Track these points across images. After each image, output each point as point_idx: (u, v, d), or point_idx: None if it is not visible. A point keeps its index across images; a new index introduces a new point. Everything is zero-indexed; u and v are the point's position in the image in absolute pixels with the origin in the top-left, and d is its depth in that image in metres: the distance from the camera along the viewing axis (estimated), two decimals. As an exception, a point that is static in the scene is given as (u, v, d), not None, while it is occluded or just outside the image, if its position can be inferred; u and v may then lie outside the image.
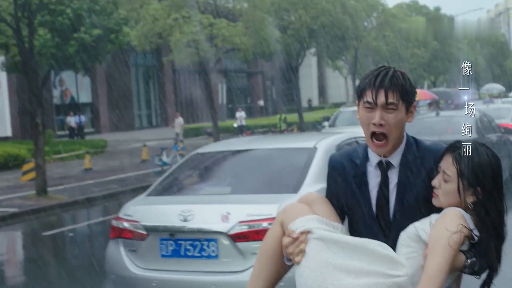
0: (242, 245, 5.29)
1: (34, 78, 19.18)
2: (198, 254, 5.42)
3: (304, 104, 55.32)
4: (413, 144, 2.94)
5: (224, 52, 24.73)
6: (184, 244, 5.45)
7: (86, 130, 41.44)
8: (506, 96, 42.30)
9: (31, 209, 15.69)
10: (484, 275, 2.82)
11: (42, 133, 18.35)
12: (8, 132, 38.29)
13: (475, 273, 2.77)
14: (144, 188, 19.32)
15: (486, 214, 2.74)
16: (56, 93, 45.48)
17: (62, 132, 40.41)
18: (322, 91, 78.11)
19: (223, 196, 5.79)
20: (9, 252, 12.08)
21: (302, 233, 2.79)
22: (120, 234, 5.81)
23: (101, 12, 28.06)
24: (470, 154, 2.76)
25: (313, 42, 29.36)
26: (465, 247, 2.72)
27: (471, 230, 2.71)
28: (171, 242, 5.49)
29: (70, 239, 12.81)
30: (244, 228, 5.29)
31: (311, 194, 3.07)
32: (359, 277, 2.70)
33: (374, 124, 2.80)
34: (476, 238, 2.73)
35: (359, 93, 2.89)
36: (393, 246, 2.80)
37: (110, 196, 18.11)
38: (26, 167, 22.33)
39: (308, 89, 69.50)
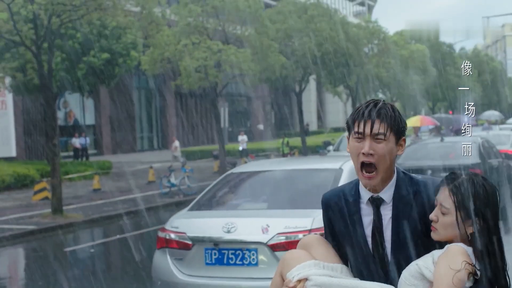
0: (280, 254, 5.93)
1: (51, 100, 19.80)
2: (240, 262, 6.07)
3: (295, 128, 56.02)
4: (405, 179, 2.95)
5: (231, 78, 25.44)
6: (227, 253, 6.10)
7: (89, 151, 42.08)
8: (504, 123, 43.11)
9: (49, 227, 16.30)
10: None
11: (58, 154, 18.97)
12: (13, 153, 38.92)
13: None
14: (154, 208, 20.01)
15: (486, 244, 2.72)
16: (60, 114, 46.18)
17: (65, 153, 41.02)
18: (320, 116, 78.91)
19: (261, 210, 6.47)
20: (34, 266, 12.66)
21: (299, 281, 2.79)
22: (167, 244, 6.45)
23: (109, 36, 28.87)
24: (466, 185, 2.77)
25: (317, 68, 30.08)
26: (469, 284, 2.69)
27: (474, 266, 2.69)
28: (215, 251, 6.14)
29: (91, 254, 13.41)
30: (281, 239, 5.94)
31: (309, 237, 3.06)
32: None
33: (363, 153, 2.83)
34: (478, 273, 2.71)
35: (349, 126, 2.94)
36: (392, 283, 2.83)
37: (123, 215, 18.70)
38: (37, 186, 22.92)
39: (306, 114, 70.32)
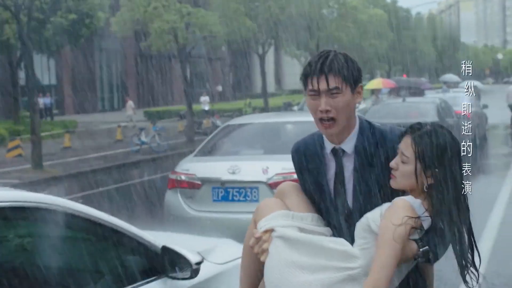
0: (277, 191, 7.05)
1: (28, 59, 20.45)
2: (243, 199, 7.20)
3: (258, 90, 57.15)
4: (367, 129, 2.91)
5: (199, 40, 26.33)
6: (232, 191, 7.23)
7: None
8: (457, 87, 44.80)
9: (34, 181, 17.16)
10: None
11: (37, 112, 19.71)
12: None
13: (430, 261, 2.74)
14: (126, 165, 20.87)
15: (439, 197, 2.72)
16: (21, 74, 46.32)
17: (28, 113, 41.41)
18: (278, 78, 79.88)
19: (261, 155, 7.59)
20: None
21: (266, 231, 2.83)
22: (178, 184, 7.53)
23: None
24: (429, 135, 2.75)
25: (280, 31, 31.09)
26: (416, 236, 2.70)
27: (419, 218, 2.69)
28: (221, 190, 7.26)
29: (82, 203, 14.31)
30: (280, 178, 7.07)
31: (284, 185, 3.07)
32: (314, 273, 2.74)
33: (320, 111, 2.80)
34: (426, 225, 2.72)
35: (303, 81, 2.89)
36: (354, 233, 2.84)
37: (98, 170, 19.58)
38: (11, 144, 23.60)
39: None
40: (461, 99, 21.80)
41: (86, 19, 30.77)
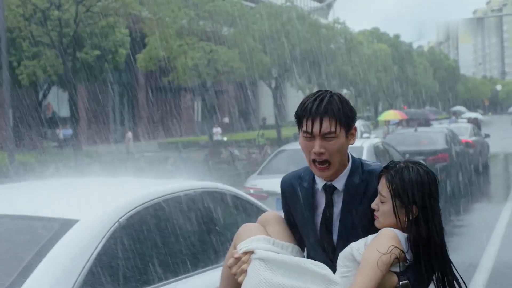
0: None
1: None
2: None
3: (260, 122, 59.09)
4: (359, 167, 2.92)
5: (221, 75, 28.31)
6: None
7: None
8: (459, 117, 46.85)
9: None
10: None
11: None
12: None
13: None
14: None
15: (418, 232, 2.71)
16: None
17: (52, 143, 43.17)
18: (281, 110, 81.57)
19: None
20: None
21: (245, 253, 2.84)
22: (248, 198, 9.37)
23: (99, 34, 31.40)
24: (401, 173, 2.76)
25: (293, 66, 33.11)
26: (397, 269, 2.70)
27: (404, 252, 2.70)
28: (284, 201, 9.08)
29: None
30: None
31: (268, 214, 3.11)
32: None
33: (314, 152, 2.79)
34: (409, 259, 2.72)
35: (297, 121, 2.87)
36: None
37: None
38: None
39: (265, 108, 73.25)
40: (465, 129, 23.74)
41: (109, 55, 32.81)
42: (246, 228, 2.99)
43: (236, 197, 4.70)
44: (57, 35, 22.35)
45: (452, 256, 2.83)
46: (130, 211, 3.63)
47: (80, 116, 50.75)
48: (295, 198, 2.99)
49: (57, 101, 49.78)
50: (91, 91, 49.79)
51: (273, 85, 35.96)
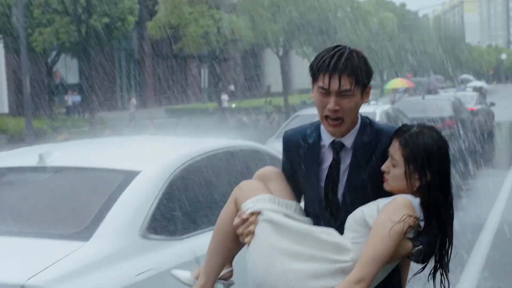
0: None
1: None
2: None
3: (269, 90, 59.34)
4: (368, 126, 2.87)
5: (229, 43, 28.68)
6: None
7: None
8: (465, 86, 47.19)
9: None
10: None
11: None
12: (5, 109, 41.16)
13: (421, 261, 2.73)
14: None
15: (431, 198, 2.69)
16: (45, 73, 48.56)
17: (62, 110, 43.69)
18: (288, 77, 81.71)
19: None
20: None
21: (252, 214, 2.79)
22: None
23: (109, 2, 31.70)
24: (415, 138, 2.72)
25: (301, 35, 33.44)
26: (411, 235, 2.67)
27: (417, 219, 2.66)
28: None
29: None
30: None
31: (267, 169, 3.05)
32: (304, 262, 2.68)
33: (328, 109, 2.74)
34: (423, 225, 2.68)
35: (313, 74, 2.79)
36: (341, 228, 2.76)
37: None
38: (60, 137, 25.90)
39: (270, 75, 73.55)
40: (471, 97, 24.18)
41: (118, 23, 33.13)
42: (248, 185, 2.94)
43: (268, 155, 5.17)
44: (71, 3, 22.73)
45: (459, 216, 2.92)
46: (183, 163, 4.13)
47: (89, 83, 51.31)
48: (299, 153, 2.92)
49: (65, 68, 50.12)
50: (98, 59, 50.19)
51: (281, 53, 36.29)
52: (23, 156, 4.54)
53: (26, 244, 3.44)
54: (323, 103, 2.76)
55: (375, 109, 10.50)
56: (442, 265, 2.78)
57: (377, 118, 10.21)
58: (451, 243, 2.78)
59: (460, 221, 3.00)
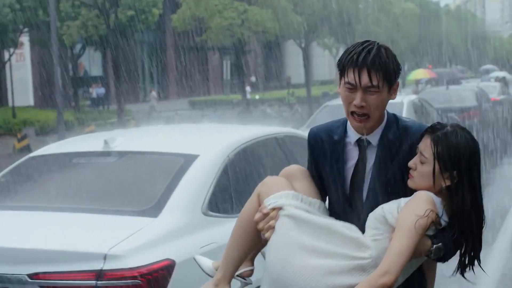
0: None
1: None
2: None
3: (291, 81, 59.58)
4: (394, 123, 2.84)
5: (254, 35, 29.04)
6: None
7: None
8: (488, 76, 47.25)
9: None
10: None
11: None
12: (31, 101, 41.74)
13: (441, 259, 2.71)
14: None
15: (457, 199, 2.67)
16: (70, 66, 49.08)
17: (86, 102, 44.24)
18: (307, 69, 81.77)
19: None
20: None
21: (273, 209, 2.77)
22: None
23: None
24: (449, 137, 2.69)
25: (324, 26, 33.72)
26: (431, 232, 2.65)
27: (439, 216, 2.65)
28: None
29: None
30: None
31: (292, 167, 3.04)
32: (323, 258, 2.66)
33: (355, 105, 2.73)
34: (443, 223, 2.67)
35: (341, 69, 2.77)
36: (363, 227, 2.75)
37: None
38: (88, 129, 26.42)
39: (291, 67, 73.71)
40: (493, 88, 24.38)
41: (142, 15, 33.53)
42: (272, 181, 2.91)
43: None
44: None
45: (485, 201, 2.79)
46: (236, 148, 4.53)
47: (113, 75, 51.84)
48: (324, 151, 2.91)
49: (89, 61, 50.66)
50: (121, 51, 50.70)
51: (303, 44, 36.58)
52: (88, 142, 4.96)
53: (103, 220, 3.85)
54: (349, 99, 2.75)
55: (402, 99, 10.83)
56: (464, 266, 2.76)
57: (405, 108, 10.54)
58: (477, 248, 2.74)
59: (485, 205, 2.79)
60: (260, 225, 2.79)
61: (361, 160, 2.83)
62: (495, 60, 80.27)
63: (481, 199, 2.73)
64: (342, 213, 2.85)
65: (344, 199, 2.86)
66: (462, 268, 2.76)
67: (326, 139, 2.90)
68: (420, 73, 29.66)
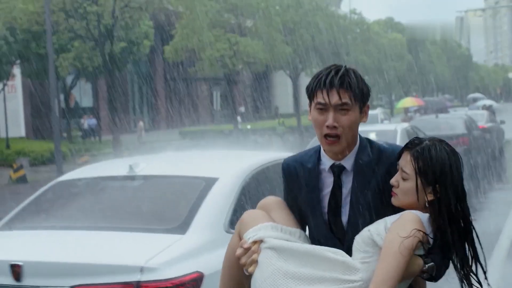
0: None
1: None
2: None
3: (272, 111, 60.20)
4: (367, 146, 2.84)
5: (244, 65, 29.56)
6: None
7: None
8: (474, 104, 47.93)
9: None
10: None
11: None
12: (22, 132, 41.83)
13: (433, 278, 2.68)
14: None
15: (441, 213, 2.64)
16: (61, 97, 49.26)
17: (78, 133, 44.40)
18: (297, 98, 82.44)
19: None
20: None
21: (254, 242, 2.73)
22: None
23: (125, 27, 32.50)
24: (428, 151, 2.67)
25: (312, 56, 34.33)
26: (421, 252, 2.62)
27: (427, 234, 2.61)
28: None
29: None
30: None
31: (268, 199, 3.02)
32: (312, 284, 2.63)
33: (327, 126, 2.70)
34: (431, 241, 2.63)
35: (310, 94, 2.78)
36: (349, 251, 2.71)
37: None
38: (82, 159, 26.66)
39: (279, 97, 74.34)
40: (481, 116, 24.91)
41: (134, 47, 33.98)
42: (250, 215, 2.89)
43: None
44: (94, 28, 23.69)
45: (476, 225, 2.77)
46: (252, 171, 4.91)
47: (103, 106, 52.16)
48: (299, 180, 2.90)
49: (80, 92, 50.92)
50: (112, 82, 51.09)
51: (293, 75, 37.18)
52: (113, 167, 5.33)
53: (136, 237, 4.20)
54: (321, 122, 2.73)
55: (395, 126, 11.26)
56: (468, 276, 2.72)
57: (398, 135, 10.94)
58: (474, 258, 2.72)
59: (477, 228, 2.82)
60: (243, 260, 2.75)
61: (337, 186, 2.83)
62: (481, 88, 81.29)
63: (468, 209, 2.72)
64: (323, 239, 2.84)
65: (324, 225, 2.86)
66: (466, 280, 2.72)
67: (300, 168, 2.91)
68: (408, 102, 30.41)
